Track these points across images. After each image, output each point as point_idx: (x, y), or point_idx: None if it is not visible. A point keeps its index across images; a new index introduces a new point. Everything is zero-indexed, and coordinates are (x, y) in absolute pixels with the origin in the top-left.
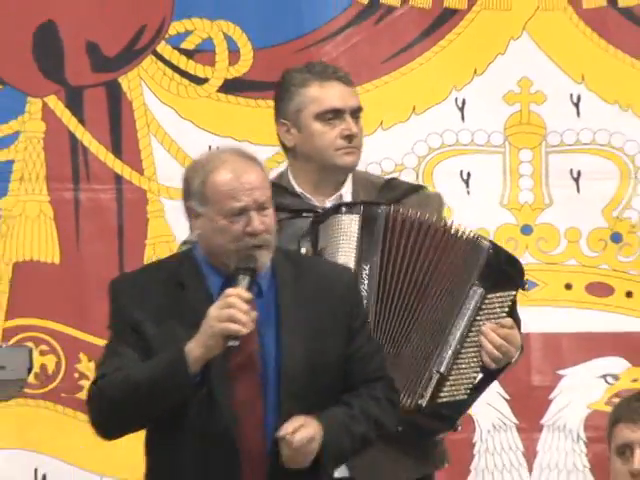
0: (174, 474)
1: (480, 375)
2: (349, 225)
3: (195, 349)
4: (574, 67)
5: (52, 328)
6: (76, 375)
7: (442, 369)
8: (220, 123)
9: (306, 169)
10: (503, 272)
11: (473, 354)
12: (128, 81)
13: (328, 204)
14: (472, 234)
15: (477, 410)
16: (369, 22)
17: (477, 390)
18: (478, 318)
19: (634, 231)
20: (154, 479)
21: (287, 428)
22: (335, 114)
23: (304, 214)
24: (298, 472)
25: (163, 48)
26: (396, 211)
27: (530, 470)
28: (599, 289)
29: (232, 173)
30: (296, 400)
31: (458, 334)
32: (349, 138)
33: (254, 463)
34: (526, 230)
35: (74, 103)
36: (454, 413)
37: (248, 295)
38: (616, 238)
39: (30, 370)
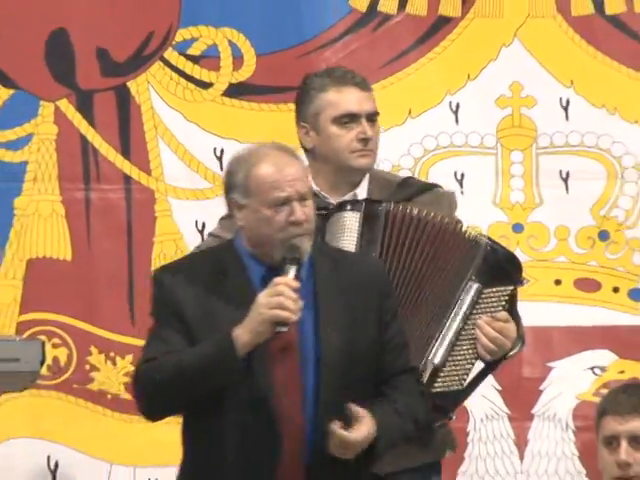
0: (216, 454)
1: (477, 367)
2: (351, 222)
3: (244, 334)
4: (563, 72)
5: (64, 322)
6: (87, 367)
7: (437, 361)
8: (225, 126)
9: (324, 169)
10: (500, 268)
11: (468, 347)
12: (136, 85)
13: None
14: (471, 232)
15: (471, 400)
16: (367, 29)
17: (474, 382)
18: (474, 312)
19: (621, 229)
20: (195, 461)
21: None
22: (351, 118)
23: (317, 212)
24: (338, 461)
25: (170, 54)
26: (396, 208)
27: (521, 457)
28: (587, 285)
29: (274, 166)
30: (333, 384)
31: (454, 327)
32: (364, 141)
33: (293, 444)
34: (517, 228)
35: (85, 107)
36: (448, 403)
37: (296, 284)
38: (603, 236)
39: (43, 362)
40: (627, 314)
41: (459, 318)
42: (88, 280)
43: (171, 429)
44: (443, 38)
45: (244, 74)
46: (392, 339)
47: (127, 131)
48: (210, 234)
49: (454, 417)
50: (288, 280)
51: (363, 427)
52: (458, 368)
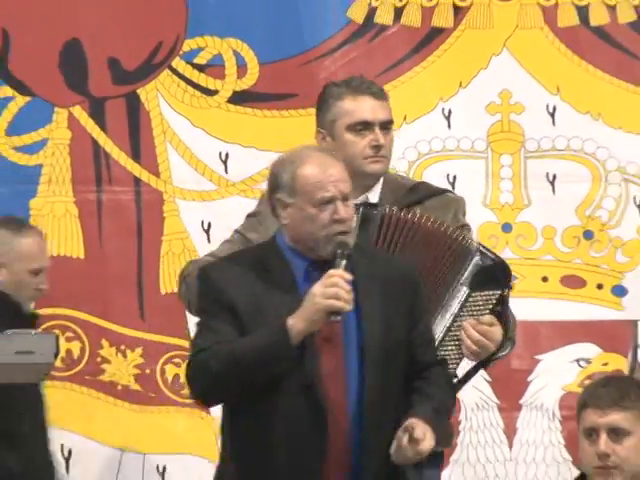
0: (265, 438)
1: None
2: None
3: (298, 323)
4: (550, 80)
5: (77, 317)
6: (98, 359)
7: None
8: (229, 131)
9: None
10: (489, 273)
11: (454, 348)
12: (146, 93)
13: None
14: (464, 237)
15: (462, 391)
16: (364, 39)
17: (462, 380)
18: (461, 314)
19: (604, 229)
20: (242, 446)
21: (419, 435)
22: (365, 126)
23: None
24: (378, 444)
25: (177, 63)
26: (391, 212)
27: (510, 446)
28: (573, 281)
29: (319, 167)
30: (375, 372)
31: (441, 328)
32: (377, 148)
33: (339, 428)
34: (506, 228)
35: (97, 113)
36: None
37: (349, 276)
38: (588, 235)
39: (57, 355)
40: (611, 309)
41: (446, 319)
42: (100, 277)
43: (178, 418)
44: (436, 48)
45: (248, 82)
46: (422, 334)
47: (137, 136)
48: (235, 230)
49: None
50: (342, 273)
51: (430, 438)
52: None
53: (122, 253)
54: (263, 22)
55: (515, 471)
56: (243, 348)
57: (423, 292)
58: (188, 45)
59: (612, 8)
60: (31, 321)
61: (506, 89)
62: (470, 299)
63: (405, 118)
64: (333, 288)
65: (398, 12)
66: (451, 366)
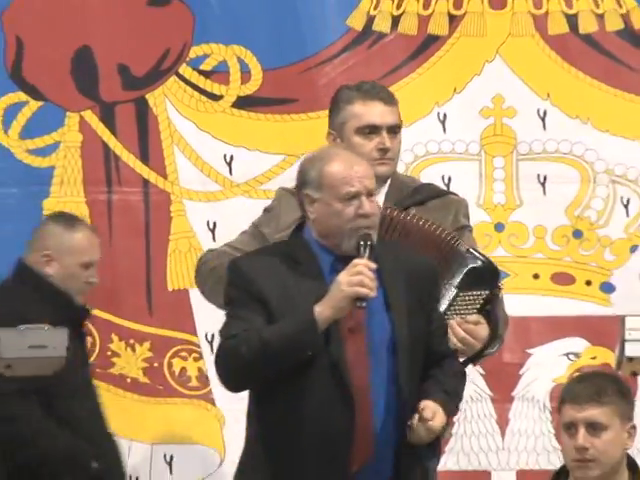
0: (292, 423)
1: None
2: None
3: (325, 310)
4: (541, 86)
5: None
6: (108, 353)
7: None
8: (233, 134)
9: None
10: (477, 274)
11: None
12: (154, 98)
13: None
14: (452, 238)
15: None
16: (363, 47)
17: None
18: (448, 313)
19: (593, 228)
20: (270, 429)
21: (427, 414)
22: (372, 129)
23: None
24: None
25: (184, 69)
26: (385, 212)
27: (502, 435)
28: (563, 278)
29: (345, 164)
30: (403, 361)
31: None
32: (383, 151)
33: (363, 414)
34: (499, 227)
35: (107, 117)
36: None
37: (373, 265)
38: (577, 234)
39: (68, 349)
40: (599, 305)
41: None
42: (110, 274)
43: (185, 409)
44: (432, 55)
45: (251, 87)
46: (438, 325)
47: (145, 139)
48: (253, 223)
49: None
50: (367, 261)
51: (441, 415)
52: None
53: (131, 251)
54: (266, 30)
55: (507, 460)
56: (272, 334)
57: (437, 283)
58: (194, 52)
59: (600, 17)
60: (83, 314)
61: (499, 94)
62: (458, 299)
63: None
64: (358, 276)
65: (395, 20)
66: None
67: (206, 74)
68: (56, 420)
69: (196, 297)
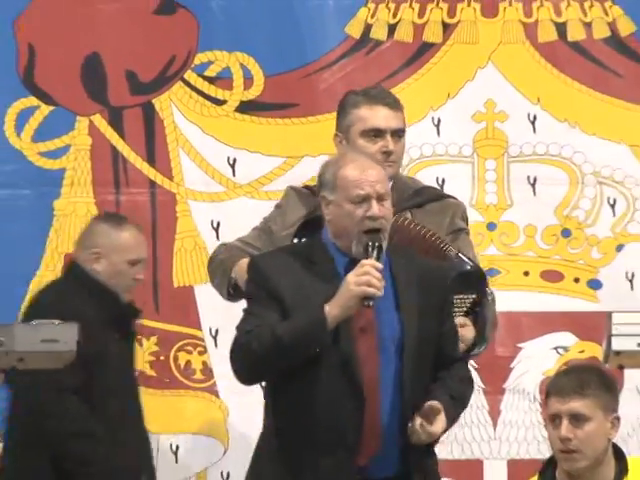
0: (305, 416)
1: None
2: None
3: (334, 309)
4: (531, 91)
5: None
6: None
7: None
8: (236, 137)
9: None
10: (465, 278)
11: None
12: (160, 103)
13: None
14: (441, 242)
15: None
16: (360, 54)
17: None
18: None
19: (581, 228)
20: (284, 422)
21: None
22: (377, 133)
23: None
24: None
25: (189, 75)
26: None
27: (494, 426)
28: (552, 276)
29: (358, 168)
30: (411, 362)
31: None
32: (387, 154)
33: (373, 408)
34: (491, 227)
35: (115, 121)
36: None
37: (380, 265)
38: (566, 233)
39: (78, 343)
40: (586, 301)
41: None
42: None
43: (190, 401)
44: (426, 61)
45: (254, 93)
46: (450, 330)
47: (152, 142)
48: (264, 218)
49: None
50: (374, 262)
51: (442, 420)
52: None
53: None
54: (268, 38)
55: (499, 449)
56: (283, 330)
57: (450, 288)
58: (199, 59)
59: (588, 25)
60: (130, 312)
61: (491, 99)
62: None
63: None
64: (365, 276)
65: (391, 28)
66: None
67: (210, 80)
68: (97, 419)
69: (201, 293)
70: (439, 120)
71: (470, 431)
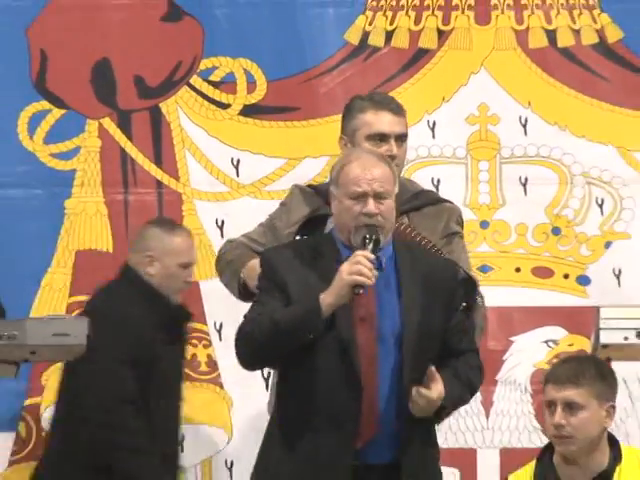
0: (306, 401)
1: None
2: None
3: (328, 297)
4: (522, 95)
5: None
6: None
7: None
8: (240, 139)
9: None
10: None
11: None
12: (167, 106)
13: None
14: (434, 249)
15: None
16: (359, 59)
17: None
18: None
19: (570, 226)
20: (288, 407)
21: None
22: (382, 137)
23: None
24: (401, 409)
25: (195, 80)
26: None
27: (487, 416)
28: (542, 272)
29: (360, 166)
30: (410, 356)
31: None
32: (391, 158)
33: (369, 396)
34: (484, 225)
35: (124, 124)
36: None
37: (372, 256)
38: (556, 231)
39: (88, 337)
40: (575, 296)
41: None
42: None
43: (195, 392)
44: (422, 67)
45: (256, 97)
46: (458, 324)
47: (159, 144)
48: (269, 215)
49: None
50: (366, 253)
51: (439, 385)
52: None
53: None
54: (270, 44)
55: (492, 438)
56: (281, 316)
57: (459, 285)
58: (204, 64)
59: (577, 32)
60: (182, 314)
61: (484, 103)
62: None
63: None
64: (357, 265)
65: (389, 35)
66: None
67: (215, 84)
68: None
69: (206, 289)
70: (434, 123)
71: (464, 421)
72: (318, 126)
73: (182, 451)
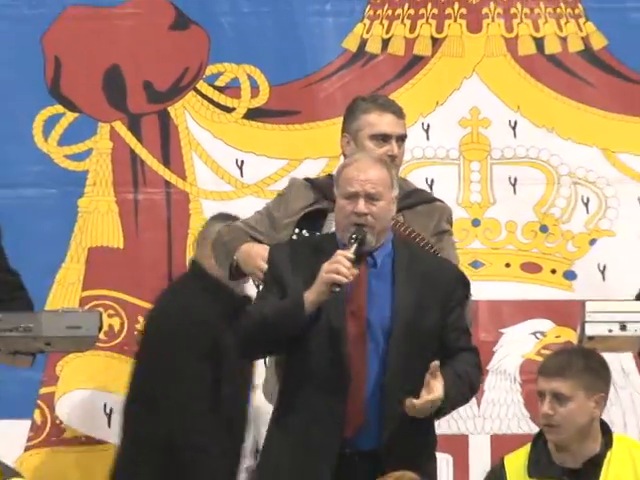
0: (298, 391)
1: None
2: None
3: (310, 294)
4: (512, 99)
5: (117, 297)
6: (135, 333)
7: None
8: (244, 141)
9: None
10: None
11: None
12: (175, 110)
13: None
14: (427, 246)
15: None
16: (357, 66)
17: None
18: None
19: (557, 224)
20: (287, 393)
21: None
22: (384, 138)
23: None
24: (390, 396)
25: (201, 85)
26: None
27: (479, 404)
28: (531, 267)
29: (357, 168)
30: (397, 351)
31: None
32: (392, 157)
33: (358, 381)
34: (475, 223)
35: (134, 127)
36: None
37: (352, 255)
38: (544, 229)
39: (100, 329)
40: (562, 291)
41: None
42: (136, 263)
43: None
44: (417, 73)
45: (260, 101)
46: (455, 322)
47: (167, 146)
48: (266, 204)
49: None
50: (346, 252)
51: (439, 386)
52: None
53: (155, 244)
54: (273, 51)
55: (483, 425)
56: (269, 311)
57: (458, 286)
58: (210, 70)
59: (564, 39)
60: (245, 304)
61: (475, 107)
62: None
63: None
64: (335, 264)
65: (385, 43)
66: None
67: (220, 89)
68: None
69: None
70: (428, 126)
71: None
72: (318, 129)
73: None
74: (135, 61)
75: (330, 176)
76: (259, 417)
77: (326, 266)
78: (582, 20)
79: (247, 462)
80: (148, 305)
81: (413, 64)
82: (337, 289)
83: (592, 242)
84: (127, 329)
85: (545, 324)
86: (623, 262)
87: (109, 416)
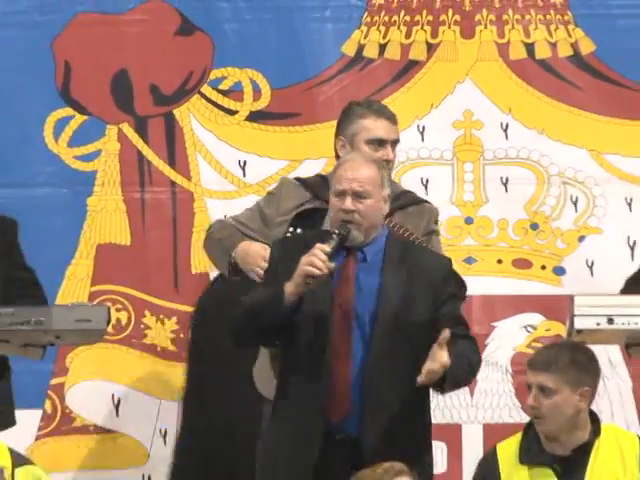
0: (289, 378)
1: None
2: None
3: (289, 286)
4: (503, 102)
5: (125, 292)
6: (142, 326)
7: None
8: (247, 143)
9: None
10: None
11: None
12: (180, 113)
13: None
14: (421, 244)
15: None
16: (354, 70)
17: None
18: None
19: (547, 222)
20: (283, 380)
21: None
22: (379, 142)
23: None
24: (376, 381)
25: (205, 89)
26: None
27: (472, 394)
28: (522, 263)
29: (347, 167)
30: (382, 342)
31: None
32: (387, 162)
33: (342, 367)
34: (469, 221)
35: (141, 129)
36: None
37: (328, 249)
38: (534, 227)
39: (108, 322)
40: (552, 286)
41: None
42: (143, 260)
43: None
44: (412, 77)
45: (262, 104)
46: (448, 313)
47: (173, 147)
48: (257, 201)
49: None
50: (323, 246)
51: (445, 354)
52: None
53: (161, 241)
54: (274, 56)
55: (476, 415)
56: (255, 301)
57: (451, 280)
58: (214, 74)
59: (553, 45)
60: None
61: (468, 109)
62: None
63: None
64: (311, 257)
65: (382, 48)
66: None
67: (224, 93)
68: None
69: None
70: (423, 128)
71: (450, 398)
72: (317, 130)
73: None
74: (142, 65)
75: (320, 176)
76: None
77: (303, 259)
78: (571, 26)
79: None
80: (154, 299)
81: (409, 68)
82: (311, 281)
83: (581, 239)
84: (134, 323)
85: (535, 318)
86: (610, 258)
87: (117, 406)
